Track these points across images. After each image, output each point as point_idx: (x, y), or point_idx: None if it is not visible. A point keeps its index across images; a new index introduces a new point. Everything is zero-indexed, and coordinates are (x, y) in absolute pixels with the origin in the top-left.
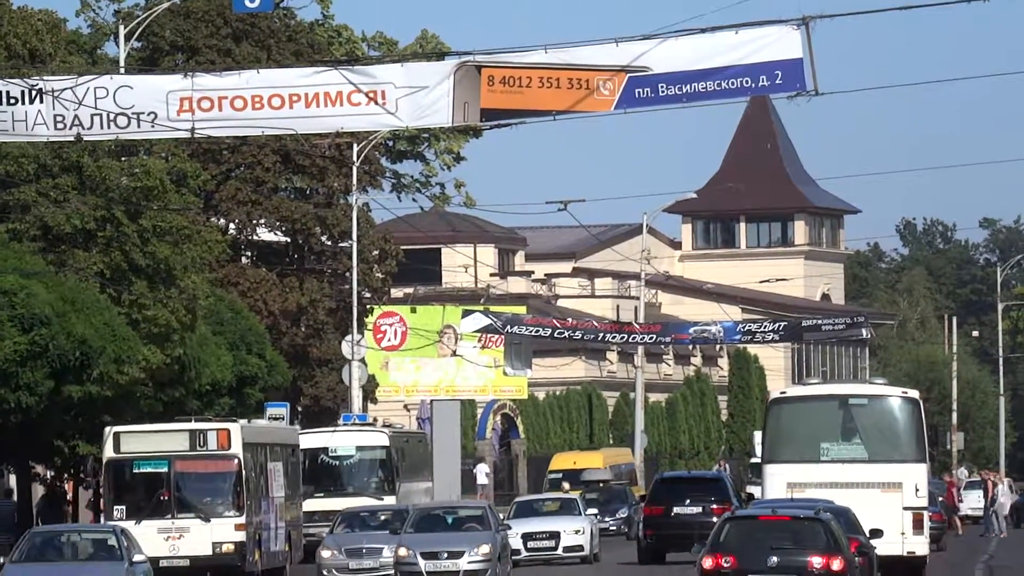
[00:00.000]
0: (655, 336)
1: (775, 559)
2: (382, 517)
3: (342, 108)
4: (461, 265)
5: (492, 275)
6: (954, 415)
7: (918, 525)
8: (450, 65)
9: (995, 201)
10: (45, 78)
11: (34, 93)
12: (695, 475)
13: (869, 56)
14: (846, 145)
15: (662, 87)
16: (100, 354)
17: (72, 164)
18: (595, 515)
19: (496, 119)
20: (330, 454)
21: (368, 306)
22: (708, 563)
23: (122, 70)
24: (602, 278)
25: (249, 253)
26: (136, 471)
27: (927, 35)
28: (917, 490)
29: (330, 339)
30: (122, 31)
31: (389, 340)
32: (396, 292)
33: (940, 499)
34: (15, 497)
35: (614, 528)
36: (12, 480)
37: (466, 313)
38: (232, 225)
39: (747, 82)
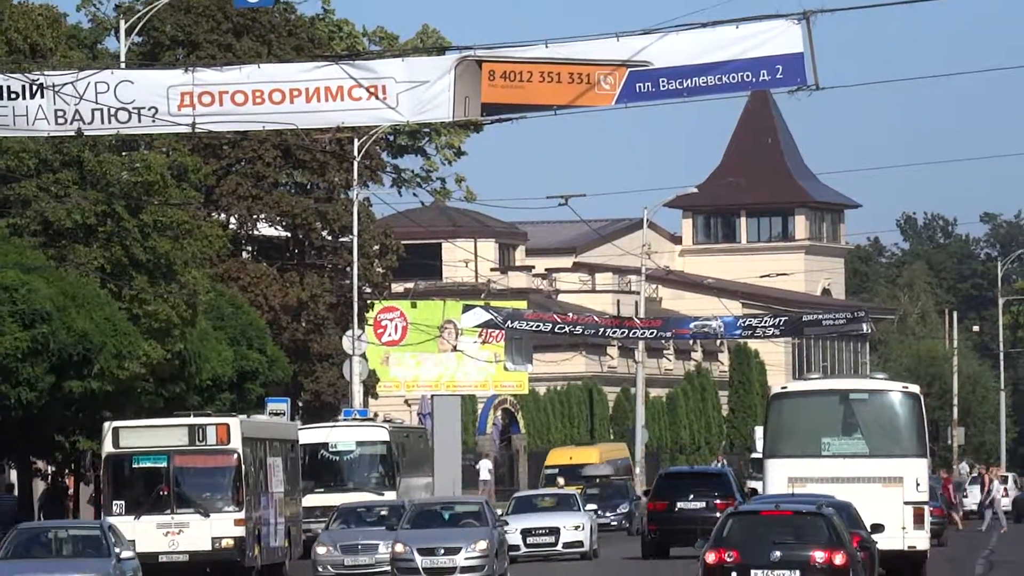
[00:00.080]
0: (656, 331)
1: (778, 554)
2: (379, 513)
3: (343, 103)
4: (462, 260)
5: (492, 270)
6: (955, 410)
7: (919, 519)
8: (451, 60)
9: (996, 196)
10: (46, 73)
11: (35, 88)
12: (698, 470)
13: (870, 51)
14: (847, 140)
15: (663, 82)
16: (101, 349)
17: (73, 159)
18: (594, 511)
19: (497, 114)
20: (330, 449)
21: (369, 301)
22: (711, 558)
23: (123, 65)
24: (603, 273)
25: (250, 248)
26: (135, 466)
27: (928, 30)
28: (918, 485)
29: (331, 334)
30: (123, 26)
31: (390, 335)
32: (397, 287)
33: (940, 494)
34: (16, 492)
35: (615, 523)
36: (13, 475)
37: (467, 308)
38: (233, 220)
39: (748, 76)
